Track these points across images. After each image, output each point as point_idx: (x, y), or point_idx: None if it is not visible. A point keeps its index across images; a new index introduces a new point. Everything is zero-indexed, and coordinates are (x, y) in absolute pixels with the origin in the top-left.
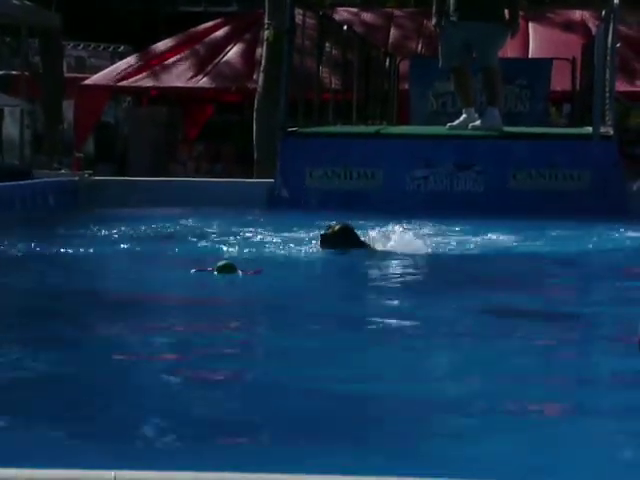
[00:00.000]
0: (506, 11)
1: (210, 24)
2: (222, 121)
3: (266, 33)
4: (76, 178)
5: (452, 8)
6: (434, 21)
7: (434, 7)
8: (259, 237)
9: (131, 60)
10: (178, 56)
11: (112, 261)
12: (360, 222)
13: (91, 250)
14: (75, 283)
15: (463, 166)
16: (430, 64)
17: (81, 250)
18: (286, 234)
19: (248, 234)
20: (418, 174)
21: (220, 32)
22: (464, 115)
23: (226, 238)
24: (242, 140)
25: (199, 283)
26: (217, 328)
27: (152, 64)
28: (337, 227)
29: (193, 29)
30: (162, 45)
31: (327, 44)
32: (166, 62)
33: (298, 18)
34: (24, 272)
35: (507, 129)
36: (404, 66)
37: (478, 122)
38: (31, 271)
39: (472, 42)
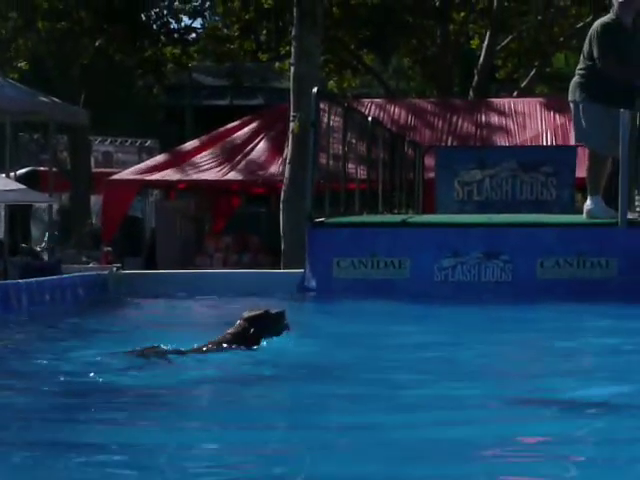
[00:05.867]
0: None
1: (237, 123)
2: (249, 213)
3: (291, 125)
4: (106, 272)
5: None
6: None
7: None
8: None
9: (159, 158)
10: (205, 152)
11: None
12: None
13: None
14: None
15: (491, 255)
16: (455, 153)
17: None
18: None
19: None
20: (445, 263)
21: (246, 129)
22: (593, 203)
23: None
24: (269, 231)
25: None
26: None
27: (180, 161)
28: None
29: (219, 129)
30: (189, 145)
31: (352, 135)
32: (193, 158)
33: (323, 110)
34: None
35: (534, 217)
36: (429, 156)
37: None
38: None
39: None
